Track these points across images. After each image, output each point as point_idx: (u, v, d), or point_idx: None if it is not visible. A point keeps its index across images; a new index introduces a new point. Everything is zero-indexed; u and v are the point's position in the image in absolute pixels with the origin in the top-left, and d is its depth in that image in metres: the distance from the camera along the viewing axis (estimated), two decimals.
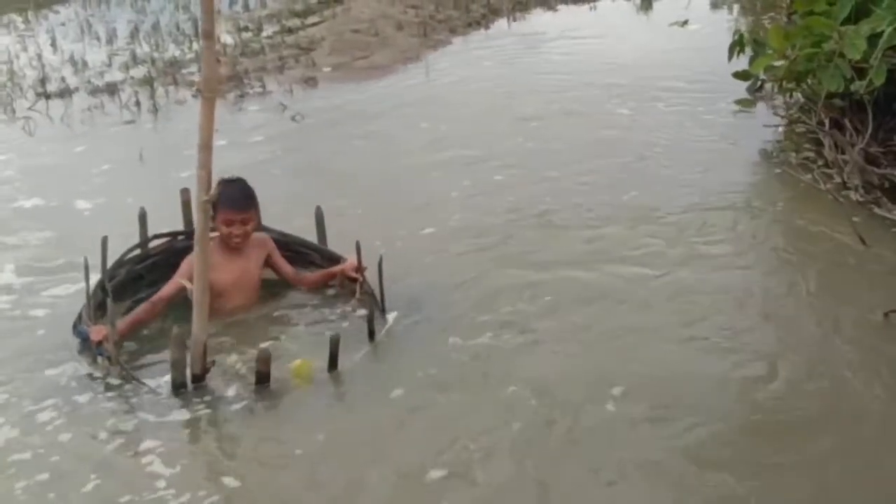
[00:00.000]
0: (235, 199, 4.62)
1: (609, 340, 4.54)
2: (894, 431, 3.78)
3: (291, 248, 5.22)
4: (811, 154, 6.86)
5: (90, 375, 4.32)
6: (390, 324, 4.71)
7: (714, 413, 3.93)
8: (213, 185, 3.99)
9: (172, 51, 11.09)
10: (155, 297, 4.68)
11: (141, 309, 4.65)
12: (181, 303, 4.59)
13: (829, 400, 4.00)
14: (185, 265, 4.65)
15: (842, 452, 3.68)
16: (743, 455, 3.67)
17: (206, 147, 3.92)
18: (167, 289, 4.66)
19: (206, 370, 4.20)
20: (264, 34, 11.91)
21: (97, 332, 4.35)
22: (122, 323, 4.45)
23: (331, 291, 5.04)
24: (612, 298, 4.93)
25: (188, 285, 4.43)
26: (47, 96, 9.30)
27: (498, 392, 4.17)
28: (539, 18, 12.52)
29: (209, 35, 3.84)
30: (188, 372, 4.17)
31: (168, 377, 4.18)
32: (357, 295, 4.88)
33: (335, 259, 5.14)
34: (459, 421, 3.97)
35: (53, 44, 11.56)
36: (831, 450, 3.70)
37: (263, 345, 4.34)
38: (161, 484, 3.64)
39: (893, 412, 3.88)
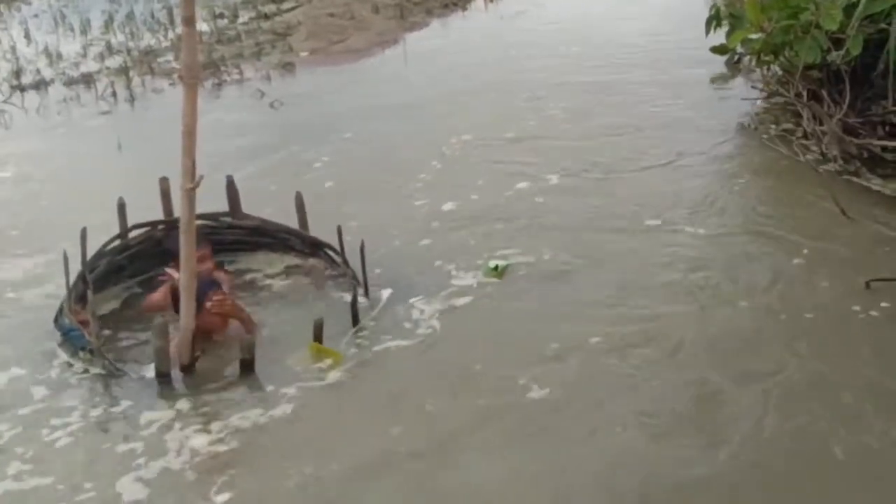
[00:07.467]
0: None
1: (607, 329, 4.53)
2: (879, 397, 3.80)
3: (272, 235, 5.20)
4: (790, 126, 6.88)
5: (71, 366, 4.29)
6: (382, 304, 4.71)
7: (686, 383, 3.97)
8: (197, 174, 3.95)
9: (148, 40, 11.03)
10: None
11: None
12: None
13: (812, 367, 4.01)
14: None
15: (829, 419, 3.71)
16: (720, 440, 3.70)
17: (189, 133, 3.85)
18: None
19: (194, 360, 4.18)
20: (240, 20, 11.85)
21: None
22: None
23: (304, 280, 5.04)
24: (599, 279, 4.94)
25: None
26: (22, 89, 9.24)
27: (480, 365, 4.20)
28: None
29: (189, 21, 3.78)
30: (173, 362, 4.15)
31: (152, 366, 4.16)
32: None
33: (316, 244, 5.14)
34: (450, 404, 3.97)
35: (27, 36, 11.47)
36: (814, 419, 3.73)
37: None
38: (147, 473, 3.63)
39: (876, 377, 3.91)
